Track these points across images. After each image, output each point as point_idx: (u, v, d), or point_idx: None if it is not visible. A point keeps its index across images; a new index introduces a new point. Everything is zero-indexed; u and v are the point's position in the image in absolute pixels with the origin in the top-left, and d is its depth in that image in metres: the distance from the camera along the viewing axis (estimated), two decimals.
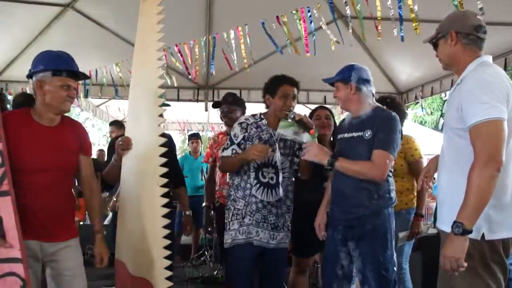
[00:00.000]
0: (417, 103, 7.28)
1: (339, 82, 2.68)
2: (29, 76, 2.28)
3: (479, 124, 1.81)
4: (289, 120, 2.71)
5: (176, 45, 5.17)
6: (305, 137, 2.69)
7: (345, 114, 2.98)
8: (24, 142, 2.16)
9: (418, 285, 3.63)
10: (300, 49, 4.47)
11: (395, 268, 2.57)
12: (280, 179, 2.82)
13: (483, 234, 1.87)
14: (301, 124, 2.69)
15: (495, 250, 1.89)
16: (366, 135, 2.54)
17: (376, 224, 2.53)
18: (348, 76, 2.63)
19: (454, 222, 1.80)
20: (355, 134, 2.61)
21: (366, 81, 2.64)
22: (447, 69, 2.18)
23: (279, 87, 2.82)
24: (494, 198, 1.82)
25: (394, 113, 2.62)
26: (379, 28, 3.79)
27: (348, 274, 2.64)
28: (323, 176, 3.22)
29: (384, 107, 2.75)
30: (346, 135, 2.68)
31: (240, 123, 2.87)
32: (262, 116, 2.90)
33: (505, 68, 5.14)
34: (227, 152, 2.85)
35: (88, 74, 6.12)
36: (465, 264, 1.81)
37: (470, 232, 1.78)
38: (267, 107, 2.93)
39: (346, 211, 2.60)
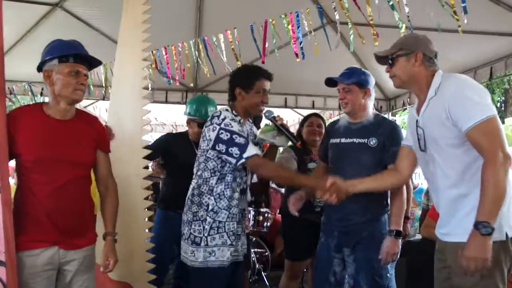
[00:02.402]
0: (405, 109, 7.34)
1: (353, 85, 2.57)
2: (39, 69, 2.13)
3: (478, 124, 1.81)
4: (270, 124, 2.56)
5: (164, 48, 5.15)
6: (279, 140, 2.55)
7: (332, 119, 2.97)
8: (34, 137, 2.02)
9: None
10: (289, 54, 4.47)
11: (388, 275, 2.56)
12: (249, 181, 2.60)
13: (506, 233, 1.85)
14: (285, 130, 2.53)
15: (509, 252, 1.87)
16: (371, 143, 2.54)
17: (372, 231, 2.53)
18: (365, 81, 2.59)
19: (479, 222, 1.76)
20: (356, 140, 2.58)
21: (374, 87, 2.66)
22: (402, 86, 2.16)
23: (256, 81, 2.46)
24: (510, 196, 1.82)
25: (393, 121, 2.66)
26: (358, 33, 3.80)
27: (340, 280, 2.63)
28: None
29: (381, 114, 2.76)
30: (343, 140, 2.63)
31: (233, 119, 2.41)
32: (234, 113, 2.48)
33: (491, 77, 5.20)
34: (255, 150, 2.34)
35: None
36: (490, 265, 1.78)
37: (494, 230, 1.75)
38: (232, 99, 2.53)
39: (343, 218, 2.57)
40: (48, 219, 2.01)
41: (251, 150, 2.30)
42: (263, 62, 4.27)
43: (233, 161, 2.33)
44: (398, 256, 2.53)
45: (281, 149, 3.10)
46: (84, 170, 2.17)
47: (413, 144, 2.16)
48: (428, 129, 2.02)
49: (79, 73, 2.08)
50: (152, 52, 5.09)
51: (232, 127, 2.34)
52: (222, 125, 2.34)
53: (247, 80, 2.48)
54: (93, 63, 2.19)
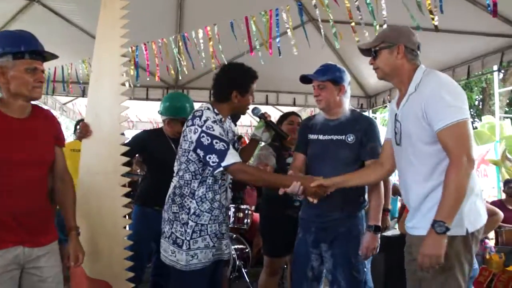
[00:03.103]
0: (385, 107, 7.43)
1: (328, 82, 2.58)
2: None
3: (449, 126, 1.86)
4: (261, 120, 2.66)
5: (144, 44, 5.10)
6: (264, 136, 2.67)
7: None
8: None
9: (381, 286, 3.67)
10: (269, 51, 4.48)
11: (365, 269, 2.61)
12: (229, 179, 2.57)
13: (467, 229, 1.91)
14: (273, 126, 2.67)
15: (469, 247, 1.93)
16: (349, 139, 2.56)
17: (350, 226, 2.55)
18: (340, 78, 2.59)
19: (436, 221, 1.83)
20: (334, 137, 2.59)
21: (349, 84, 2.66)
22: (385, 79, 2.18)
23: (251, 84, 2.46)
24: (470, 189, 1.89)
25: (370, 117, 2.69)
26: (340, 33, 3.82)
27: (318, 275, 2.65)
28: (286, 172, 3.23)
29: (357, 110, 2.79)
30: (321, 137, 2.63)
31: (215, 121, 2.34)
32: (216, 111, 2.41)
33: (468, 75, 5.30)
34: (234, 157, 2.28)
35: (53, 71, 6.06)
36: (443, 261, 1.84)
37: (449, 229, 1.82)
38: (223, 100, 2.44)
39: (320, 214, 2.58)
40: (12, 220, 1.96)
41: (230, 158, 2.25)
42: (252, 54, 4.30)
43: (210, 169, 2.30)
44: (377, 251, 2.56)
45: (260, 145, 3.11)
46: (45, 168, 2.11)
47: (391, 138, 2.19)
48: (404, 124, 2.05)
49: (36, 69, 1.98)
50: (131, 48, 5.04)
51: (213, 130, 2.29)
52: (204, 128, 2.28)
53: (245, 83, 2.45)
54: (47, 56, 2.08)
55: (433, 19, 3.25)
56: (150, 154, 3.30)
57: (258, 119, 2.71)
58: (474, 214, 1.94)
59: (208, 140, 2.26)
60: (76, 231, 2.20)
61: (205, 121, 2.30)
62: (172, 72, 5.42)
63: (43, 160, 2.08)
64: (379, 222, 2.54)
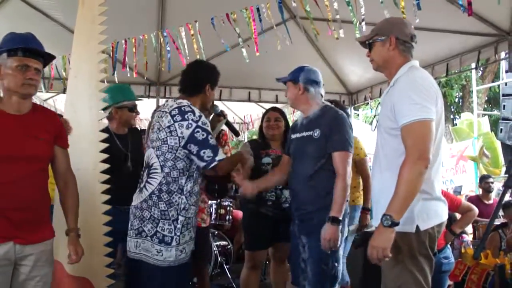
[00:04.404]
0: (367, 104, 7.50)
1: (289, 82, 2.79)
2: None
3: (410, 123, 1.92)
4: (220, 116, 2.85)
5: (125, 40, 5.07)
6: (218, 130, 2.92)
7: (296, 114, 3.05)
8: None
9: (359, 280, 3.73)
10: (252, 48, 4.50)
11: (336, 264, 2.64)
12: None
13: (417, 226, 1.97)
14: (229, 123, 2.97)
15: (422, 242, 2.00)
16: (315, 134, 2.65)
17: (322, 220, 2.59)
18: (297, 77, 2.75)
19: (384, 214, 1.88)
20: (305, 134, 2.72)
21: (314, 82, 2.74)
22: (378, 70, 2.25)
23: (219, 78, 2.59)
24: (425, 193, 1.96)
25: (340, 111, 2.75)
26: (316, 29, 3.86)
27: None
28: (264, 171, 3.26)
29: (333, 105, 2.85)
30: (298, 135, 2.78)
31: (204, 115, 2.41)
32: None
33: (447, 72, 5.41)
34: (223, 153, 2.42)
35: None
36: (390, 254, 1.89)
37: (397, 224, 1.87)
38: (196, 93, 2.49)
39: (297, 208, 2.74)
40: (3, 215, 1.96)
41: (222, 154, 2.35)
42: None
43: (203, 164, 2.32)
44: (340, 243, 2.57)
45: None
46: (40, 164, 2.11)
47: None
48: (380, 113, 2.15)
49: (28, 67, 2.02)
50: (112, 44, 5.01)
51: (208, 126, 2.34)
52: (200, 123, 2.31)
53: (216, 77, 2.56)
54: (46, 56, 2.12)
55: (404, 17, 3.30)
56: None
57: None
58: (428, 214, 2.00)
59: (203, 135, 2.31)
60: (76, 233, 2.19)
61: (200, 117, 2.33)
62: (155, 69, 5.40)
63: (37, 156, 2.08)
64: (338, 213, 2.52)
